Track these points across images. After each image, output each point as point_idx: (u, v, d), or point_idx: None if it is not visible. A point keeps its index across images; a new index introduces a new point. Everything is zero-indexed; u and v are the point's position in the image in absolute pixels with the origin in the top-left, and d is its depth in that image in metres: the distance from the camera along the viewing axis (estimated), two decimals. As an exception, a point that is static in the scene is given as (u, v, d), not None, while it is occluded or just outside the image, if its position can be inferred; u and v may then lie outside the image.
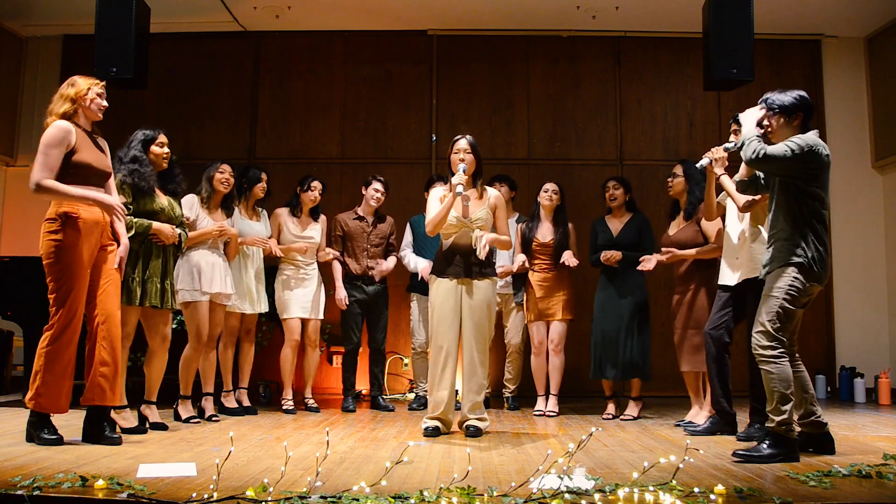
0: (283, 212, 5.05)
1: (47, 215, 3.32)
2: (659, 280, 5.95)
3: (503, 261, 5.07)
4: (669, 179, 4.54)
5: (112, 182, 3.54)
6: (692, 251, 4.31)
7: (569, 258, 4.81)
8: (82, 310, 3.34)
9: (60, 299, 3.28)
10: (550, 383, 4.97)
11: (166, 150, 3.98)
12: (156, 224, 3.80)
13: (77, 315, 3.31)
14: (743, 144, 3.22)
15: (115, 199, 3.42)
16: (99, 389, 3.35)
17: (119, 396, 3.45)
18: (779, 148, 3.13)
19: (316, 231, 5.09)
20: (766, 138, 3.34)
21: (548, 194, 4.99)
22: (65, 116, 3.35)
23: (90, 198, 3.31)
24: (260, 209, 5.00)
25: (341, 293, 5.11)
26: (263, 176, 4.91)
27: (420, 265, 5.19)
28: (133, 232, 3.69)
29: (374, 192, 5.20)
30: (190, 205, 4.36)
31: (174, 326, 4.83)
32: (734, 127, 3.91)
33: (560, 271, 4.93)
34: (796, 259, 3.16)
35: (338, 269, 5.16)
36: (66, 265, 3.28)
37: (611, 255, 4.69)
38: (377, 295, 5.21)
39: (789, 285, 3.16)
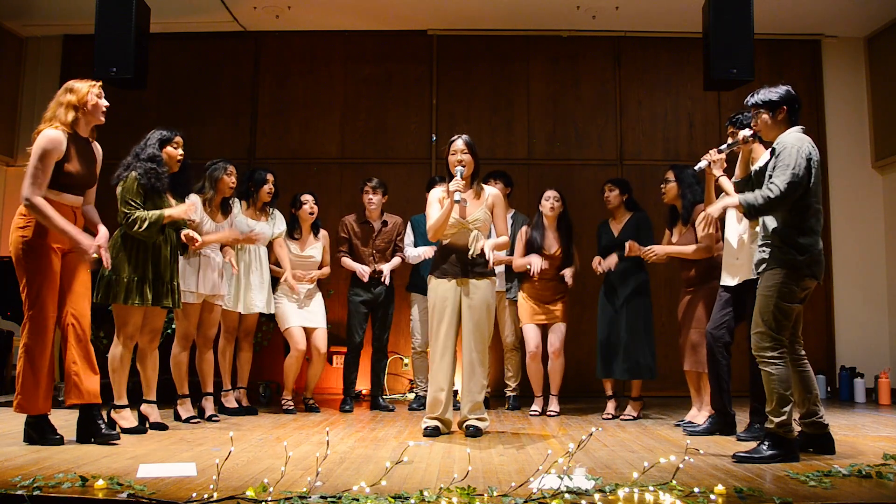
0: (280, 241, 4.99)
1: (18, 212, 3.32)
2: (661, 280, 5.95)
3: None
4: (662, 186, 4.55)
5: (93, 192, 3.54)
6: (677, 248, 4.35)
7: (568, 277, 4.84)
8: (55, 308, 3.33)
9: (32, 297, 3.27)
10: (551, 385, 4.99)
11: (180, 151, 4.00)
12: (167, 211, 3.79)
13: (49, 313, 3.30)
14: (750, 207, 3.16)
15: (92, 243, 3.34)
16: (75, 389, 3.33)
17: (97, 393, 3.39)
18: (782, 179, 3.07)
19: (317, 250, 5.09)
20: (760, 139, 3.37)
21: (549, 203, 4.97)
22: (70, 125, 3.34)
23: (71, 236, 3.27)
24: (271, 210, 4.99)
25: (357, 267, 5.10)
26: (269, 177, 4.91)
27: (422, 250, 5.20)
28: (147, 223, 3.69)
29: (366, 195, 5.21)
30: (194, 207, 4.35)
31: (172, 327, 4.83)
32: (731, 129, 3.92)
33: (560, 282, 4.94)
34: (786, 259, 3.16)
35: (349, 262, 5.18)
36: (36, 262, 3.27)
37: (609, 264, 4.70)
38: (382, 295, 5.21)
39: (782, 284, 3.16)
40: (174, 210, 3.84)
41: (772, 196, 3.08)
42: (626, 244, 4.55)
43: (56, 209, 3.29)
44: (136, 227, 3.69)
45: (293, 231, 5.06)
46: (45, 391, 3.34)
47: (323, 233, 5.17)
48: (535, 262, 4.78)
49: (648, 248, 4.44)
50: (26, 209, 3.27)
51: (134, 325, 3.80)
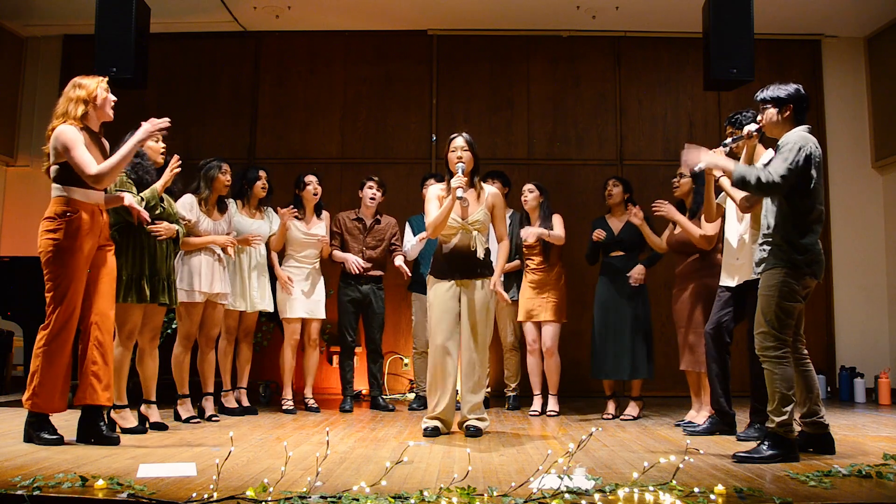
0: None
1: (46, 214, 3.33)
2: (659, 279, 5.94)
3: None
4: (675, 180, 4.55)
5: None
6: (683, 219, 4.33)
7: (526, 233, 4.83)
8: (79, 309, 3.34)
9: (58, 298, 3.28)
10: (549, 385, 4.99)
11: (161, 144, 4.02)
12: (158, 184, 3.85)
13: (74, 314, 3.31)
14: (740, 178, 3.15)
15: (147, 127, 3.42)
16: (91, 389, 3.35)
17: (112, 396, 3.44)
18: (777, 169, 3.09)
19: (321, 228, 5.11)
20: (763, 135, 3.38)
21: (524, 196, 5.02)
22: (81, 119, 3.35)
23: (135, 142, 3.36)
24: (266, 208, 5.00)
25: (350, 257, 5.12)
26: (262, 174, 4.91)
27: (414, 240, 5.21)
28: (145, 202, 3.74)
29: (369, 191, 5.22)
30: (189, 206, 4.35)
31: (173, 327, 4.83)
32: (730, 129, 3.93)
33: (551, 272, 4.94)
34: (786, 258, 3.16)
35: (339, 254, 5.19)
36: (64, 264, 3.28)
37: (638, 277, 4.68)
38: (371, 294, 5.21)
39: (782, 283, 3.16)
40: (163, 179, 3.88)
41: (763, 180, 3.08)
42: (634, 209, 4.60)
43: (81, 208, 3.31)
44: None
45: (298, 210, 5.04)
46: (64, 391, 3.35)
47: (325, 213, 5.19)
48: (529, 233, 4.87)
49: (659, 201, 4.39)
50: (103, 182, 3.30)
51: (133, 324, 3.80)
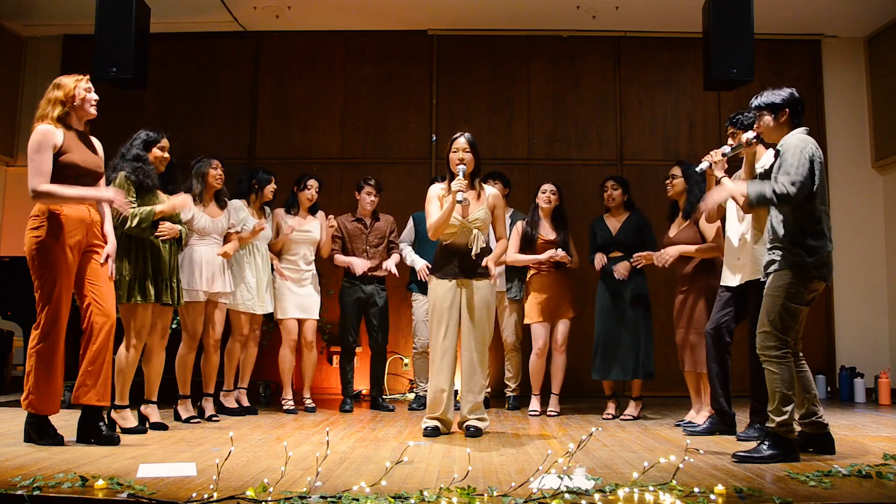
0: (280, 211, 5.08)
1: (31, 213, 3.33)
2: (659, 279, 5.94)
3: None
4: (668, 181, 4.54)
5: (103, 182, 3.55)
6: (690, 248, 4.31)
7: (561, 255, 4.85)
8: (68, 307, 3.34)
9: (45, 296, 3.28)
10: (552, 383, 4.99)
11: (166, 154, 4.02)
12: (158, 207, 3.82)
13: (62, 312, 3.30)
14: (759, 196, 3.16)
15: (109, 192, 3.38)
16: (84, 388, 3.34)
17: (108, 396, 3.42)
18: (787, 179, 3.08)
19: (314, 225, 5.12)
20: (762, 141, 3.39)
21: (545, 195, 5.00)
22: (60, 119, 3.34)
23: (87, 196, 3.31)
24: (266, 209, 5.03)
25: (357, 261, 5.14)
26: (273, 178, 4.95)
27: (417, 264, 5.20)
28: (138, 220, 3.71)
29: (367, 195, 5.24)
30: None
31: (173, 326, 4.83)
32: (731, 129, 3.92)
33: (562, 271, 4.94)
34: (795, 260, 3.15)
35: (342, 258, 5.20)
36: (49, 262, 3.28)
37: (622, 273, 4.69)
38: (375, 293, 5.22)
39: (789, 285, 3.16)
40: (165, 205, 3.86)
41: (778, 192, 3.08)
42: (639, 256, 4.55)
43: (66, 206, 3.30)
44: (128, 224, 3.71)
45: (290, 208, 5.09)
46: (58, 391, 3.35)
47: (320, 213, 5.21)
48: (549, 252, 4.88)
49: (662, 251, 4.41)
50: (39, 200, 3.27)
51: (140, 324, 3.80)
